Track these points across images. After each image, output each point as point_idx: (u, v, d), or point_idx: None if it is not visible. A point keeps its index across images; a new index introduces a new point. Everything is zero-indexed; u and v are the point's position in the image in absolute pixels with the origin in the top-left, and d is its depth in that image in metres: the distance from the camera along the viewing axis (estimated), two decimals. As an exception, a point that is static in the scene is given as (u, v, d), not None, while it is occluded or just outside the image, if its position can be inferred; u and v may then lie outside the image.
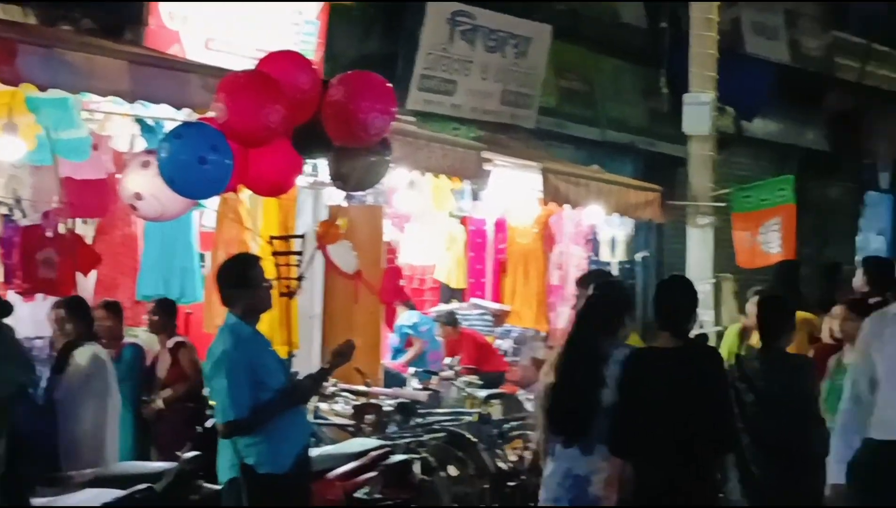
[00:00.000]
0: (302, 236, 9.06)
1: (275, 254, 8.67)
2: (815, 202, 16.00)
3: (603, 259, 13.71)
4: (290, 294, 8.66)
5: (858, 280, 8.94)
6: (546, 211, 12.51)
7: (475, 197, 12.31)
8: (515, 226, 12.69)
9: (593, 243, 13.54)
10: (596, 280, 6.52)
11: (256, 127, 6.75)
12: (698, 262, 12.84)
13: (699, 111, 12.84)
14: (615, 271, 13.79)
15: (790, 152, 16.87)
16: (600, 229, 13.56)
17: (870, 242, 19.18)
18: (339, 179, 7.69)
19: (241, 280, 6.03)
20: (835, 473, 5.65)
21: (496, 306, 12.65)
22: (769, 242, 13.48)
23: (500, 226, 12.81)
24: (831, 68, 17.93)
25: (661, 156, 14.67)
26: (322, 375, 6.37)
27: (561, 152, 13.31)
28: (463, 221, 12.67)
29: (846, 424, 5.68)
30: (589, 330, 5.82)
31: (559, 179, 11.65)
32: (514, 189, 11.93)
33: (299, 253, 8.80)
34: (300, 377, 6.37)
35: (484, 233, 12.85)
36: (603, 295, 6.01)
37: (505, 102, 12.95)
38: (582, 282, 7.19)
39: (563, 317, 13.08)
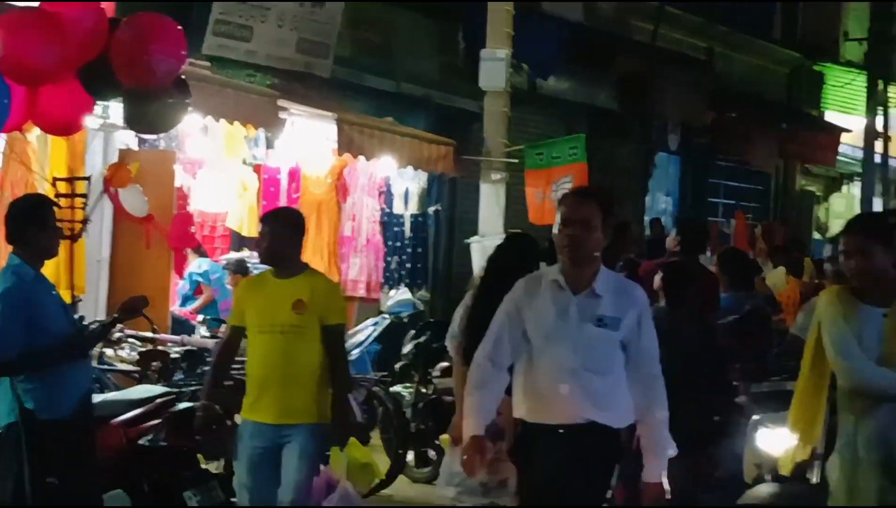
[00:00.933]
0: (87, 179, 8.99)
1: (59, 196, 8.60)
2: (606, 161, 16.39)
3: (396, 212, 13.94)
4: (73, 237, 8.62)
5: (671, 241, 9.31)
6: (340, 162, 12.65)
7: (269, 145, 12.37)
8: (309, 176, 12.79)
9: (386, 195, 13.75)
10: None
11: (33, 65, 6.70)
12: (490, 217, 13.12)
13: (495, 67, 13.11)
14: (407, 224, 14.04)
15: (582, 111, 17.22)
16: (394, 181, 13.77)
17: (658, 202, 19.89)
18: (132, 121, 7.68)
19: (31, 221, 6.06)
20: None
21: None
22: (561, 199, 13.85)
23: (294, 175, 12.89)
24: (624, 29, 18.41)
25: (457, 110, 14.89)
26: (107, 329, 6.63)
27: (356, 104, 13.39)
28: (256, 169, 12.71)
29: None
30: (500, 277, 6.37)
31: (354, 131, 11.80)
32: (308, 139, 12.03)
33: (84, 196, 8.73)
34: (86, 322, 6.40)
35: (277, 182, 12.91)
36: (512, 246, 6.98)
37: (301, 51, 12.98)
38: None
39: (355, 268, 13.29)
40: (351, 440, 7.06)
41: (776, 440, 6.42)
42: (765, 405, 7.86)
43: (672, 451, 5.32)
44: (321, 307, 6.43)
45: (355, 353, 11.03)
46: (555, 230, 5.23)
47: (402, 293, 13.54)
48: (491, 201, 13.24)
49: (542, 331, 5.27)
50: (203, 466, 7.67)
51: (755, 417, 7.67)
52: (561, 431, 5.24)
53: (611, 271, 5.47)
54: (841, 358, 5.38)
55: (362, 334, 11.63)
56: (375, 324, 11.73)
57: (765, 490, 6.59)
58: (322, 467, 6.80)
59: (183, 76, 8.21)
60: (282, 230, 6.50)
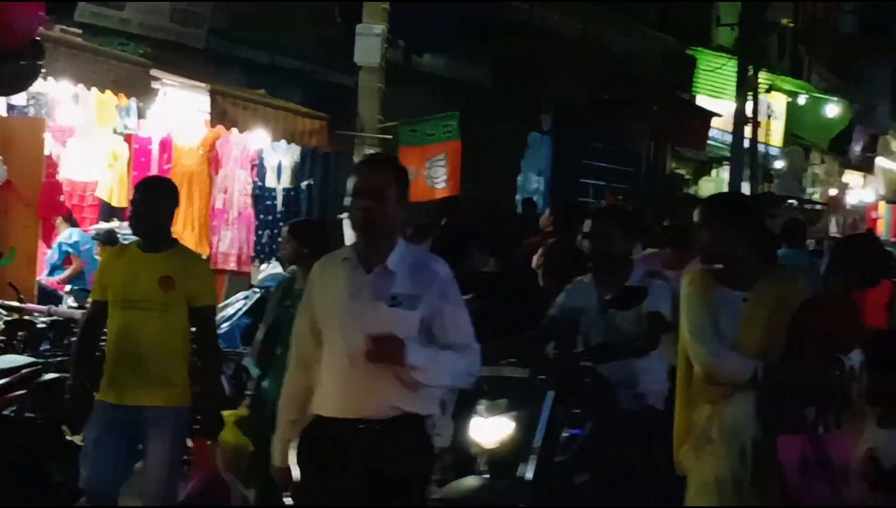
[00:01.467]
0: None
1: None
2: (480, 140, 16.59)
3: (268, 185, 14.01)
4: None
5: (545, 220, 9.52)
6: (212, 133, 12.69)
7: (141, 115, 12.34)
8: (181, 147, 12.80)
9: (259, 168, 13.81)
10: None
11: None
12: (363, 192, 13.23)
13: (370, 42, 13.23)
14: (279, 198, 14.10)
15: (458, 88, 17.40)
16: (266, 154, 13.84)
17: (530, 181, 20.20)
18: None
19: None
20: None
21: (157, 226, 12.71)
22: (434, 177, 14.06)
23: (166, 146, 12.88)
24: (501, 8, 18.61)
25: (332, 85, 14.99)
26: None
27: (230, 75, 13.42)
28: (127, 138, 12.67)
29: None
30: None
31: (227, 102, 11.85)
32: (180, 109, 12.04)
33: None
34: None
35: (149, 152, 12.89)
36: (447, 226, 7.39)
37: (175, 21, 12.97)
38: None
39: (226, 241, 13.34)
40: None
41: (488, 430, 5.97)
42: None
43: (427, 378, 4.77)
44: (190, 287, 6.24)
45: (225, 327, 11.08)
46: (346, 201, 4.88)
47: (273, 267, 13.62)
48: (364, 177, 13.34)
49: (334, 313, 4.87)
50: (68, 438, 7.65)
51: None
52: (361, 426, 4.80)
53: (411, 246, 5.08)
54: (695, 342, 5.25)
55: (232, 307, 11.68)
56: (246, 298, 11.78)
57: (466, 483, 5.99)
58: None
59: (38, 38, 8.15)
60: (156, 200, 6.30)
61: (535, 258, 9.02)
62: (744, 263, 5.28)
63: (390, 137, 13.66)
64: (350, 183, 4.82)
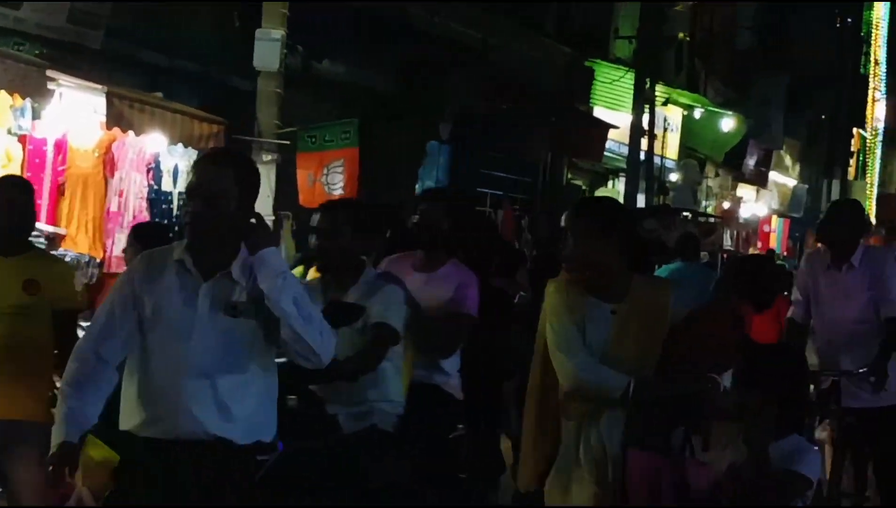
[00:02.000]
0: None
1: None
2: (379, 147, 16.69)
3: (164, 189, 14.00)
4: None
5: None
6: (108, 136, 12.66)
7: (35, 116, 12.28)
8: (76, 148, 12.75)
9: (155, 171, 13.80)
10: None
11: None
12: (259, 198, 13.29)
13: (269, 47, 13.36)
14: (175, 202, 14.11)
15: (358, 95, 17.48)
16: (163, 157, 13.84)
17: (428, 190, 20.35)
18: None
19: None
20: None
21: (51, 228, 12.69)
22: (332, 183, 14.19)
23: (60, 147, 12.82)
24: (402, 16, 18.76)
25: (231, 89, 15.02)
26: None
27: (128, 77, 13.40)
28: (21, 139, 12.60)
29: None
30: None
31: (123, 104, 11.84)
32: (76, 111, 12.01)
33: None
34: None
35: (43, 154, 12.81)
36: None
37: (72, 21, 12.93)
38: None
39: (120, 244, 13.32)
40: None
41: None
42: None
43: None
44: (54, 290, 6.04)
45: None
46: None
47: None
48: (261, 182, 13.41)
49: (162, 321, 4.47)
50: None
51: None
52: (178, 448, 4.42)
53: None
54: (561, 353, 4.95)
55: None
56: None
57: None
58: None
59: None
60: (14, 199, 6.02)
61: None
62: (613, 273, 5.02)
63: (288, 142, 13.75)
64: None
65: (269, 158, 13.53)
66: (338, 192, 14.10)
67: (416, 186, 19.68)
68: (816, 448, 5.01)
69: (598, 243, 4.99)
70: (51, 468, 4.39)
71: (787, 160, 41.09)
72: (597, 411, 4.93)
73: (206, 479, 4.42)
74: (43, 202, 12.73)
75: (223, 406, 4.42)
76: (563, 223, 5.25)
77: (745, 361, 5.03)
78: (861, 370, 7.74)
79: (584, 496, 4.91)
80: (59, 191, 12.77)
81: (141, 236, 7.26)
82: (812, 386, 7.67)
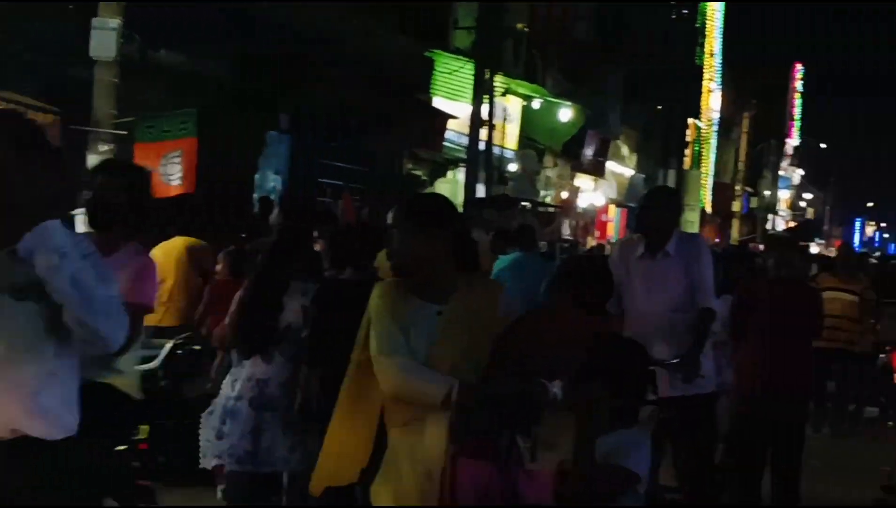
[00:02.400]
0: None
1: None
2: (218, 137, 16.66)
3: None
4: None
5: (275, 218, 9.71)
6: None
7: None
8: None
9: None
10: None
11: None
12: (97, 189, 13.24)
13: (106, 36, 13.31)
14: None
15: (197, 85, 17.39)
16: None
17: (267, 180, 20.42)
18: None
19: None
20: None
21: None
22: (170, 174, 14.16)
23: None
24: (241, 4, 18.73)
25: (66, 78, 14.86)
26: None
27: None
28: None
29: None
30: (274, 267, 7.12)
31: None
32: None
33: None
34: None
35: None
36: (288, 234, 7.48)
37: None
38: None
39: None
40: None
41: None
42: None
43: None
44: None
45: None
46: None
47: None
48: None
49: None
50: None
51: None
52: None
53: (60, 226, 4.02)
54: (383, 357, 4.76)
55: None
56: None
57: None
58: None
59: None
60: None
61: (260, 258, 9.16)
62: (439, 272, 4.84)
63: (125, 132, 13.70)
64: None
65: (106, 148, 13.47)
66: (175, 183, 14.07)
67: (256, 176, 19.74)
68: (648, 442, 4.70)
69: (424, 242, 4.79)
70: None
71: (625, 150, 42.02)
72: (421, 416, 4.73)
73: (12, 480, 3.98)
74: None
75: (26, 399, 3.97)
76: (388, 221, 5.00)
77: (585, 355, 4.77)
78: (674, 361, 7.61)
79: (410, 504, 4.68)
80: None
81: None
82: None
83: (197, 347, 9.59)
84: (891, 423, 14.59)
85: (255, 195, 19.09)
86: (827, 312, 13.56)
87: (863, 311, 14.47)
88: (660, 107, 44.49)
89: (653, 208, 8.10)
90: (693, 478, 8.01)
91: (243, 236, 11.78)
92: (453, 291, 4.86)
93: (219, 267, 10.12)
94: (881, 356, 15.19)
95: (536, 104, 29.78)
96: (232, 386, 7.23)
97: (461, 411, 4.59)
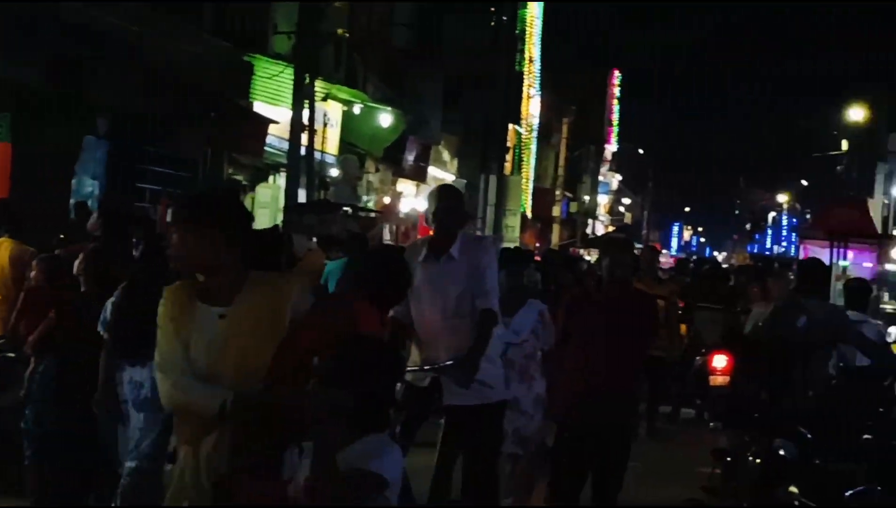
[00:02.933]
0: None
1: None
2: (32, 142, 16.51)
3: None
4: None
5: (92, 224, 9.71)
6: None
7: None
8: None
9: None
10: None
11: None
12: None
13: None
14: None
15: (9, 90, 17.23)
16: None
17: (84, 185, 20.24)
18: None
19: None
20: None
21: None
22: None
23: None
24: (55, 7, 18.58)
25: None
26: None
27: None
28: None
29: None
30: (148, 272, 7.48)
31: None
32: None
33: None
34: None
35: None
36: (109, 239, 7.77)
37: None
38: None
39: None
40: None
41: None
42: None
43: None
44: None
45: None
46: None
47: None
48: None
49: None
50: None
51: None
52: None
53: None
54: (160, 373, 4.65)
55: None
56: None
57: None
58: None
59: None
60: None
61: (76, 264, 9.21)
62: (221, 272, 4.68)
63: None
64: None
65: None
66: (-12, 188, 14.00)
67: (73, 181, 19.57)
68: (398, 446, 4.60)
69: (203, 239, 4.62)
70: None
71: (446, 155, 42.56)
72: (202, 431, 4.60)
73: None
74: None
75: None
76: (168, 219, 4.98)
77: (340, 355, 4.50)
78: (447, 363, 7.45)
79: None
80: None
81: None
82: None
83: (11, 354, 9.60)
84: (712, 424, 14.59)
85: (72, 201, 18.93)
86: None
87: (669, 315, 14.53)
88: (479, 113, 45.17)
89: (443, 209, 7.80)
90: (475, 488, 7.81)
91: (62, 237, 11.76)
92: (238, 291, 4.68)
93: (33, 274, 10.12)
94: (697, 358, 15.51)
95: (357, 109, 30.03)
96: (120, 391, 7.65)
97: (238, 423, 4.42)
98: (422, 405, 7.81)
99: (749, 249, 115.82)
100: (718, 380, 14.22)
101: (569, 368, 8.48)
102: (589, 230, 72.34)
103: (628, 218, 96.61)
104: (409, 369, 7.58)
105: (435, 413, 8.07)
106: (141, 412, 7.85)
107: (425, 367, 7.69)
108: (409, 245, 8.62)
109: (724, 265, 58.34)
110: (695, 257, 35.74)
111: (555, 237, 63.33)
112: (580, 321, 8.46)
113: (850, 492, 5.54)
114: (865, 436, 6.65)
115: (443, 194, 8.12)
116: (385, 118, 30.77)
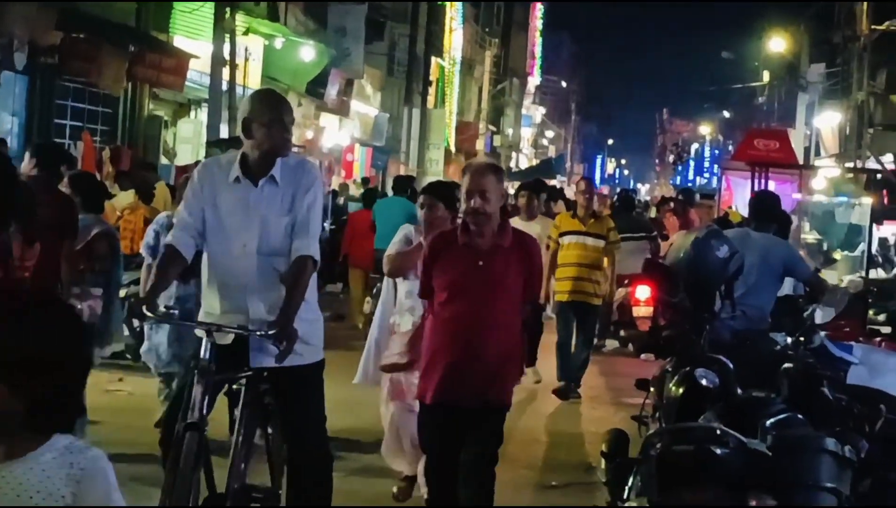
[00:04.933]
0: None
1: None
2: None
3: None
4: None
5: (27, 165, 9.57)
6: None
7: None
8: None
9: None
10: None
11: None
12: None
13: None
14: None
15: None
16: None
17: (3, 123, 20.07)
18: None
19: None
20: None
21: None
22: None
23: None
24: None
25: None
26: None
27: None
28: None
29: None
30: None
31: None
32: None
33: None
34: None
35: None
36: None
37: None
38: None
39: None
40: None
41: None
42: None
43: None
44: None
45: None
46: None
47: None
48: None
49: None
50: None
51: None
52: None
53: None
54: None
55: None
56: None
57: None
58: None
59: None
60: None
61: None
62: None
63: None
64: None
65: None
66: None
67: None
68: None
69: None
70: None
71: (369, 89, 42.48)
72: None
73: None
74: None
75: None
76: None
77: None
78: (270, 332, 6.12)
79: None
80: None
81: None
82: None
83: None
84: (643, 356, 13.68)
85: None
86: (566, 261, 13.77)
87: (609, 256, 13.88)
88: (402, 46, 45.11)
89: (252, 119, 6.31)
90: (295, 468, 6.59)
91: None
92: None
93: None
94: (620, 289, 15.50)
95: (279, 44, 29.83)
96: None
97: None
98: (226, 366, 6.26)
99: (672, 180, 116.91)
100: (642, 311, 14.36)
101: (430, 332, 7.15)
102: (513, 164, 72.61)
103: (552, 151, 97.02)
104: (202, 321, 6.40)
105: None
106: None
107: (225, 327, 6.23)
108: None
109: (647, 197, 58.93)
110: (619, 190, 36.13)
111: (479, 171, 63.36)
112: (442, 270, 7.01)
113: (772, 420, 5.70)
114: (785, 365, 6.82)
115: (272, 100, 6.55)
116: (307, 52, 30.62)
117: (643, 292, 14.48)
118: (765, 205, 10.28)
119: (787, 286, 10.34)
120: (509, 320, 7.02)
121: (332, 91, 36.09)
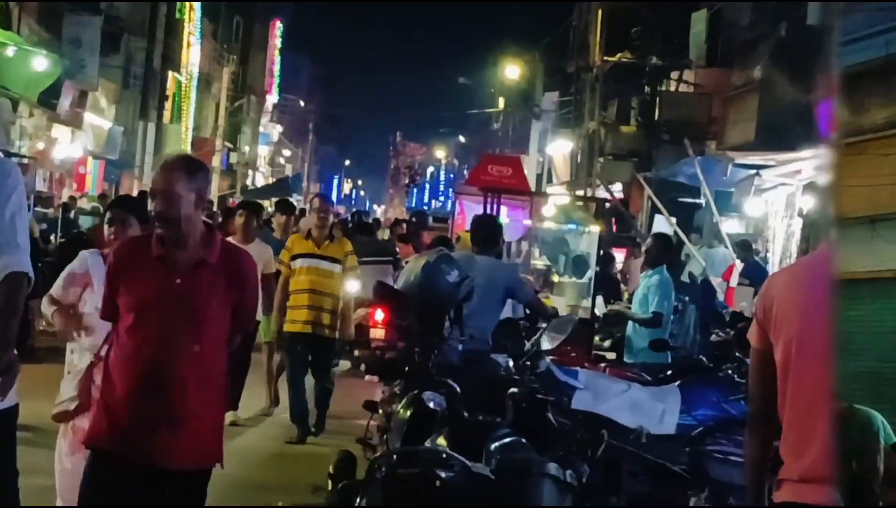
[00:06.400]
0: None
1: None
2: None
3: None
4: None
5: None
6: None
7: None
8: None
9: None
10: None
11: None
12: None
13: None
14: None
15: None
16: None
17: None
18: None
19: None
20: None
21: None
22: None
23: None
24: None
25: None
26: None
27: None
28: None
29: None
30: None
31: None
32: None
33: None
34: None
35: None
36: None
37: None
38: None
39: None
40: None
41: None
42: None
43: None
44: None
45: None
46: None
47: None
48: None
49: None
50: None
51: None
52: None
53: None
54: None
55: None
56: None
57: None
58: None
59: None
60: None
61: None
62: None
63: None
64: None
65: None
66: None
67: None
68: None
69: None
70: None
71: (103, 102, 41.57)
72: None
73: None
74: None
75: None
76: None
77: None
78: None
79: None
80: None
81: None
82: None
83: None
84: (367, 377, 13.23)
85: None
86: (298, 287, 12.51)
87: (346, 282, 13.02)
88: (138, 60, 44.34)
89: None
90: None
91: None
92: None
93: None
94: (360, 310, 15.29)
95: (11, 52, 28.93)
96: None
97: None
98: None
99: (408, 203, 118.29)
100: (378, 333, 14.32)
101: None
102: (249, 182, 72.08)
103: (289, 170, 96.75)
104: None
105: None
106: None
107: None
108: None
109: (380, 218, 59.43)
110: (354, 211, 36.26)
111: (215, 188, 62.88)
112: (129, 287, 5.76)
113: (496, 444, 5.83)
114: (511, 389, 6.99)
115: None
116: (40, 62, 29.78)
117: (380, 314, 14.46)
118: (486, 229, 10.59)
119: (507, 309, 10.59)
120: (211, 353, 5.70)
121: (65, 102, 35.16)
